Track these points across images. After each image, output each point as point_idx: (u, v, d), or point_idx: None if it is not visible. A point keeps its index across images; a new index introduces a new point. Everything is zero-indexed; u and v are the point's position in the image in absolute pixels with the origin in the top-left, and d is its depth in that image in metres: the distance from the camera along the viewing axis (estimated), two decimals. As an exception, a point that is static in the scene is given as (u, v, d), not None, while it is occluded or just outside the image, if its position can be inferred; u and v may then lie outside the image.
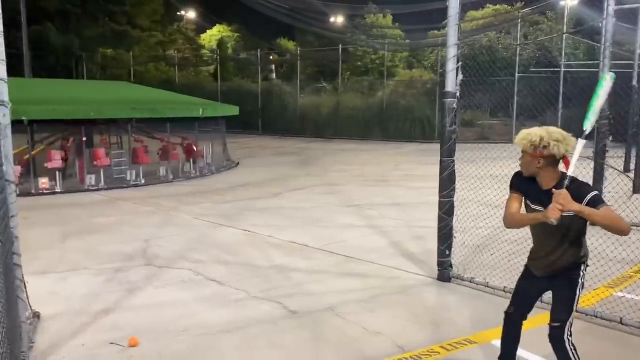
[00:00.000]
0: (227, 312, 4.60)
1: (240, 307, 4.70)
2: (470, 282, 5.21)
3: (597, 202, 2.74)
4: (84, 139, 11.67)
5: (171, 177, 12.52)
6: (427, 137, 21.98)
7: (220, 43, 36.88)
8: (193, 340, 4.05)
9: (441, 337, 4.08)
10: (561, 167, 2.93)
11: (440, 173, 5.26)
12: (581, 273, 3.01)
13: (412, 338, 4.06)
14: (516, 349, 3.39)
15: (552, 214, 2.68)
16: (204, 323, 4.35)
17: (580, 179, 2.85)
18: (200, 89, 27.87)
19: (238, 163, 15.47)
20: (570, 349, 2.94)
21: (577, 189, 2.78)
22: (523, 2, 22.30)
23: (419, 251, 6.40)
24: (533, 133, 2.89)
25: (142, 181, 11.90)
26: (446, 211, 5.26)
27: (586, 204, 2.72)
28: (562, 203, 2.66)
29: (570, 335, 2.96)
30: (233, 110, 15.76)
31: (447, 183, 5.23)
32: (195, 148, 13.46)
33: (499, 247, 6.06)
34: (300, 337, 4.11)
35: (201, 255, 6.31)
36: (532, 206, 3.04)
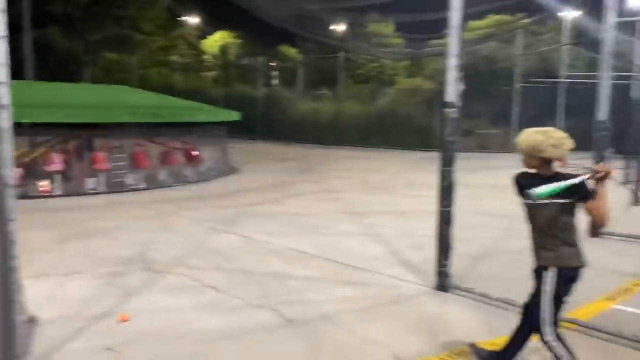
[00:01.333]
0: (224, 319, 4.58)
1: (237, 315, 4.68)
2: (469, 292, 5.19)
3: (588, 192, 2.98)
4: (85, 142, 11.68)
5: (171, 182, 12.50)
6: (428, 145, 21.96)
7: (223, 49, 36.98)
8: (190, 347, 4.03)
9: (439, 348, 4.06)
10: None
11: (440, 182, 5.25)
12: (547, 280, 3.12)
13: (409, 348, 4.04)
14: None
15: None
16: (201, 330, 4.33)
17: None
18: (202, 94, 27.89)
19: (238, 169, 15.47)
20: (555, 345, 3.10)
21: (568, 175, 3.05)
22: (525, 13, 22.39)
23: (418, 260, 6.38)
24: (533, 137, 3.11)
25: (142, 185, 11.89)
26: (445, 220, 5.25)
27: (579, 188, 2.97)
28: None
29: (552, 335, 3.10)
30: (234, 115, 15.77)
31: (446, 192, 5.22)
32: (195, 153, 13.46)
33: (498, 258, 6.05)
34: (297, 346, 4.09)
35: (199, 262, 6.29)
36: (526, 190, 3.13)
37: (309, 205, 10.15)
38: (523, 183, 3.18)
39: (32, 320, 4.34)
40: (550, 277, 3.10)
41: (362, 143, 23.86)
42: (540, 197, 2.92)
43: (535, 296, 3.19)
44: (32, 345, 3.95)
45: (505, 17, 23.06)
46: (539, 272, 3.19)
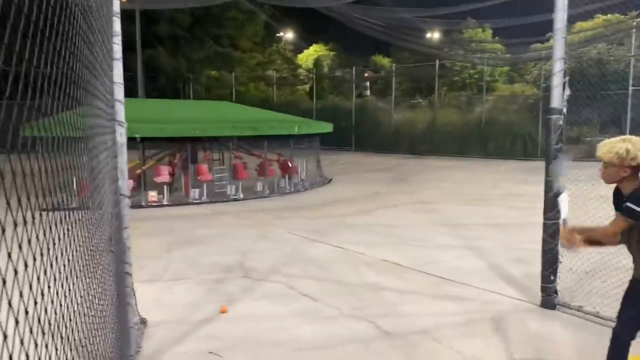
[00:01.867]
0: (320, 328, 4.62)
1: (333, 325, 4.71)
2: (578, 310, 4.85)
3: (624, 211, 2.99)
4: (190, 155, 12.41)
5: (267, 193, 12.91)
6: (529, 154, 20.97)
7: (317, 62, 37.78)
8: (287, 354, 4.11)
9: (545, 369, 3.82)
10: None
11: (545, 193, 4.97)
12: None
13: (512, 368, 3.84)
14: None
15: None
16: (297, 338, 4.40)
17: None
18: (296, 107, 28.63)
19: (331, 180, 15.64)
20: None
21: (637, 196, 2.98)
22: (639, 11, 20.74)
23: (520, 275, 6.07)
24: (619, 146, 3.00)
25: (241, 196, 12.37)
26: (551, 234, 4.96)
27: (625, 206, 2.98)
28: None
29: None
30: (327, 127, 15.99)
31: (552, 204, 4.93)
32: (290, 164, 13.81)
33: (610, 274, 5.59)
34: (394, 358, 4.03)
35: (294, 270, 6.42)
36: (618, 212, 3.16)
37: (403, 217, 10.02)
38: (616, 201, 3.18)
39: (142, 322, 4.65)
40: None
41: (458, 153, 23.23)
42: None
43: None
44: (142, 346, 4.23)
45: (616, 16, 21.51)
46: None
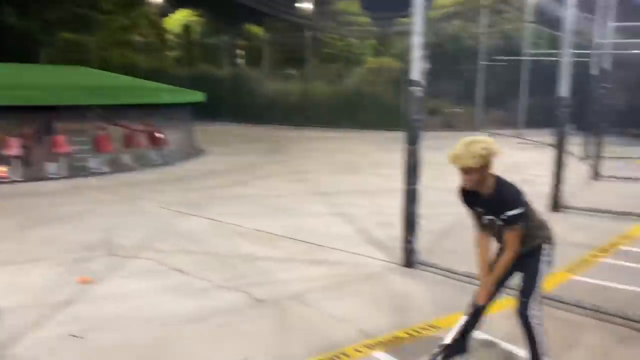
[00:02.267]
0: (192, 302, 4.55)
1: (205, 297, 4.66)
2: (435, 267, 5.29)
3: (510, 222, 3.04)
4: (44, 125, 11.32)
5: (135, 166, 12.27)
6: (395, 125, 22.00)
7: (186, 28, 36.16)
8: (157, 330, 4.00)
9: (405, 323, 4.13)
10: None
11: (405, 161, 5.30)
12: (545, 252, 3.14)
13: (377, 324, 4.11)
14: (478, 327, 3.48)
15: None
16: (168, 313, 4.30)
17: (508, 185, 3.07)
18: (165, 75, 27.33)
19: (205, 151, 15.28)
20: (535, 323, 3.10)
21: (504, 200, 3.03)
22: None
23: (386, 238, 6.45)
24: (473, 150, 2.98)
25: (105, 169, 11.63)
26: (411, 198, 5.31)
27: (505, 217, 3.02)
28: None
29: (536, 310, 3.11)
30: (199, 96, 15.53)
31: (411, 171, 5.27)
32: (160, 135, 13.22)
33: (463, 233, 6.16)
34: (267, 325, 4.10)
35: (166, 245, 6.22)
36: (476, 209, 3.25)
37: (277, 187, 10.13)
38: (468, 201, 3.26)
39: (-8, 310, 4.24)
40: (548, 252, 3.18)
41: (330, 123, 23.83)
42: None
43: (530, 273, 3.19)
44: (-7, 334, 3.86)
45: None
46: (535, 251, 3.18)
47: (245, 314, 4.31)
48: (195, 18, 38.27)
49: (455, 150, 3.02)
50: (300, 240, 6.45)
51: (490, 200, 3.08)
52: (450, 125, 21.88)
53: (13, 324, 4.04)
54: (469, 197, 3.21)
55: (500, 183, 3.09)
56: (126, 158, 12.41)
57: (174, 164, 13.03)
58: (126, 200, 8.74)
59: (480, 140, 3.02)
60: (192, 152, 14.79)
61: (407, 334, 3.95)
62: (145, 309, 4.37)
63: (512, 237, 3.07)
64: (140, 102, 12.52)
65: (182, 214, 7.77)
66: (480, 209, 3.21)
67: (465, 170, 3.03)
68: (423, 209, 5.51)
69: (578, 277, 5.09)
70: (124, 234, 6.69)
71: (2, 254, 5.78)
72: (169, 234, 6.70)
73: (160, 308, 4.41)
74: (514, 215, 3.01)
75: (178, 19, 38.18)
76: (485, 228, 3.26)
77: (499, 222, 3.08)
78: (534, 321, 3.10)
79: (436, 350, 3.42)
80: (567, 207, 7.87)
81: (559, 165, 7.61)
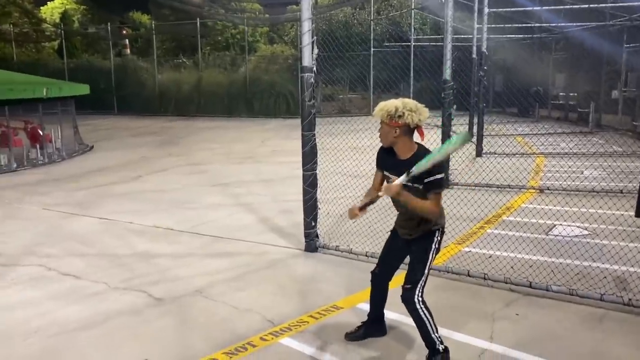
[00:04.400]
0: (85, 307, 4.28)
1: (100, 301, 4.40)
2: (336, 250, 5.40)
3: (432, 187, 3.02)
4: None
5: (15, 166, 11.29)
6: (292, 112, 22.23)
7: (64, 16, 33.63)
8: (46, 341, 3.71)
9: (310, 307, 4.18)
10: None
11: (303, 147, 5.33)
12: (435, 239, 3.23)
13: (281, 311, 4.11)
14: (383, 305, 3.59)
15: (384, 193, 3.06)
16: (58, 321, 4.00)
17: (434, 155, 3.00)
18: (43, 67, 25.41)
19: (92, 147, 14.39)
20: (421, 308, 3.16)
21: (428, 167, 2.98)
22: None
23: (287, 225, 6.47)
24: (389, 104, 3.08)
25: (-21, 172, 10.59)
26: (310, 184, 5.36)
27: (425, 182, 3.00)
28: (392, 190, 3.01)
29: (422, 296, 3.18)
30: (83, 89, 14.56)
31: (309, 156, 5.31)
32: (41, 132, 12.25)
33: (362, 216, 6.35)
34: (167, 324, 3.96)
35: (53, 249, 5.79)
36: (390, 176, 3.23)
37: (173, 180, 9.79)
38: (383, 160, 3.25)
39: None
40: (437, 236, 3.22)
41: (226, 113, 23.45)
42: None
43: (418, 259, 3.21)
44: None
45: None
46: (427, 237, 3.21)
47: (144, 314, 4.13)
48: (74, 6, 35.75)
49: (380, 103, 3.13)
50: (201, 234, 6.29)
51: (408, 163, 3.03)
52: (345, 110, 22.38)
53: None
54: (386, 158, 3.21)
55: (423, 149, 3.11)
56: (3, 158, 11.37)
57: (59, 162, 12.16)
58: (4, 204, 8.01)
59: (407, 103, 3.05)
60: (78, 148, 13.88)
61: (312, 317, 4.00)
62: (33, 319, 4.04)
63: (435, 200, 3.03)
64: (15, 97, 11.48)
65: (70, 215, 7.27)
66: (393, 172, 3.17)
67: (380, 123, 3.13)
68: (322, 194, 5.60)
69: (467, 249, 5.44)
70: (3, 240, 6.13)
71: None
72: (56, 238, 6.24)
73: (50, 316, 4.09)
74: (438, 180, 3.01)
75: (56, 7, 35.44)
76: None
77: (414, 185, 3.04)
78: (420, 305, 3.14)
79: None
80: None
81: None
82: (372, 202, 3.18)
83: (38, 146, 12.23)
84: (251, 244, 5.87)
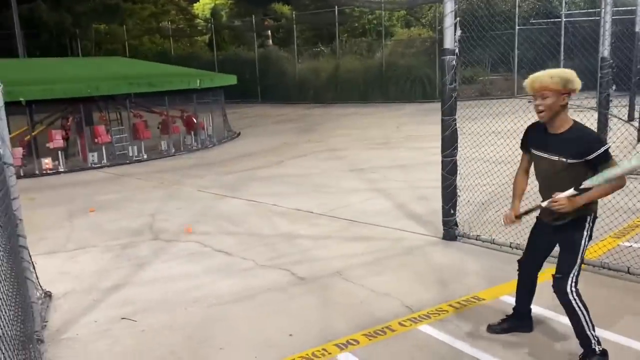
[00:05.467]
0: (236, 281, 4.64)
1: (249, 276, 4.74)
2: (477, 239, 5.22)
3: (606, 158, 2.82)
4: (83, 117, 11.63)
5: (173, 151, 12.50)
6: (429, 96, 21.74)
7: (214, 11, 36.23)
8: (204, 311, 4.09)
9: (449, 296, 4.11)
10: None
11: (442, 132, 5.21)
12: (587, 225, 3.01)
13: (420, 298, 4.10)
14: (531, 299, 3.41)
15: (544, 215, 3.06)
16: (213, 294, 4.39)
17: (587, 127, 2.92)
18: (196, 60, 27.54)
19: (239, 133, 15.41)
20: (574, 299, 2.96)
21: (588, 143, 2.84)
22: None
23: (424, 212, 6.40)
24: (553, 73, 2.91)
25: (145, 156, 11.89)
26: (449, 170, 5.23)
27: (594, 159, 2.80)
28: (561, 206, 2.85)
29: (575, 286, 2.97)
30: (231, 79, 15.59)
31: (449, 142, 5.18)
32: (195, 120, 13.39)
33: (504, 204, 6.04)
34: (310, 302, 4.15)
35: (207, 227, 6.34)
36: (537, 153, 3.08)
37: (313, 165, 10.14)
38: (531, 138, 3.09)
39: (47, 296, 4.42)
40: (591, 226, 3.02)
41: (362, 99, 23.60)
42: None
43: (571, 247, 3.03)
44: (49, 319, 4.03)
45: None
46: (579, 223, 3.02)
47: (289, 291, 4.37)
48: (223, 1, 38.26)
49: (533, 75, 2.96)
50: (339, 218, 6.46)
51: (562, 138, 2.89)
52: (487, 93, 21.35)
53: (66, 310, 4.22)
54: (535, 135, 3.05)
55: (579, 124, 2.96)
56: (164, 144, 12.65)
57: (210, 148, 13.20)
58: (166, 186, 8.92)
59: (566, 71, 2.95)
60: (228, 135, 14.94)
61: (452, 306, 3.93)
62: (192, 290, 4.48)
63: (619, 174, 2.78)
64: (174, 89, 12.68)
65: (221, 197, 7.89)
66: (542, 150, 3.01)
67: (541, 93, 2.89)
68: (462, 181, 5.44)
69: (627, 243, 4.94)
70: (166, 218, 6.84)
71: (52, 242, 6.01)
72: (210, 217, 6.82)
73: (206, 288, 4.51)
74: (606, 151, 2.81)
75: (206, 3, 38.27)
76: (540, 174, 3.11)
77: (570, 160, 2.86)
78: (573, 296, 2.96)
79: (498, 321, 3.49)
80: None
81: (602, 128, 7.33)
82: (531, 211, 3.09)
83: (193, 133, 13.38)
84: (388, 230, 5.90)
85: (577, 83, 2.91)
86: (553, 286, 3.03)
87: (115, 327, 3.90)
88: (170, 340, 3.68)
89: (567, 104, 2.93)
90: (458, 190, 5.35)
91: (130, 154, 11.80)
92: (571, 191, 2.83)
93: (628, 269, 4.20)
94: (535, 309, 3.52)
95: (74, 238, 6.21)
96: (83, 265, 5.26)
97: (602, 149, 2.81)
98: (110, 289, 4.60)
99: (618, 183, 2.82)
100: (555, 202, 2.86)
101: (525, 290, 3.39)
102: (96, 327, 3.91)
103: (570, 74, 2.92)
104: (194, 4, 39.04)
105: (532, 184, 3.29)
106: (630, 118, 11.75)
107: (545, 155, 3.00)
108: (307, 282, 4.55)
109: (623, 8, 14.41)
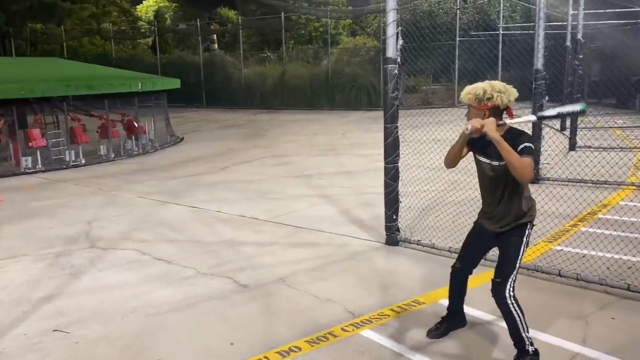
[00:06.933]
0: (176, 290, 4.52)
1: (190, 285, 4.63)
2: (417, 244, 5.32)
3: (524, 152, 2.90)
4: (16, 119, 11.07)
5: (113, 156, 12.10)
6: (374, 104, 22.08)
7: (158, 14, 35.48)
8: (142, 321, 3.96)
9: (391, 300, 4.16)
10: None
11: (385, 139, 5.29)
12: (526, 232, 3.13)
13: (362, 303, 4.12)
14: (462, 302, 3.52)
15: (471, 123, 2.97)
16: (152, 303, 4.26)
17: (523, 131, 3.03)
18: (138, 63, 26.86)
19: (183, 138, 15.11)
20: (512, 303, 3.05)
21: (514, 137, 2.97)
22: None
23: (368, 217, 6.47)
24: (477, 87, 3.04)
25: (82, 161, 11.45)
26: (391, 177, 5.32)
27: (520, 148, 2.91)
28: (485, 124, 2.92)
29: (513, 291, 3.07)
30: (174, 83, 15.29)
31: (391, 149, 5.26)
32: (136, 124, 13.02)
33: (444, 209, 6.21)
34: (252, 310, 4.10)
35: (147, 235, 6.16)
36: (480, 159, 3.17)
37: (258, 171, 10.07)
38: (473, 140, 3.11)
39: (-29, 309, 4.15)
40: (529, 229, 3.13)
41: (308, 105, 23.70)
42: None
43: (510, 252, 3.11)
44: (-27, 333, 3.79)
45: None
46: (519, 229, 3.12)
47: (231, 300, 4.30)
48: (167, 3, 37.54)
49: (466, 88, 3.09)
50: (284, 224, 6.43)
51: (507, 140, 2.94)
52: (429, 102, 21.91)
53: (-6, 322, 3.98)
54: (476, 139, 3.10)
55: (515, 129, 3.03)
56: (103, 149, 12.23)
57: (152, 153, 12.88)
58: (104, 192, 8.62)
59: (494, 85, 3.00)
60: (171, 139, 14.62)
61: (393, 311, 3.98)
62: (130, 300, 4.33)
63: (527, 163, 2.87)
64: (114, 92, 12.28)
65: (162, 203, 7.69)
66: (482, 154, 3.12)
67: (468, 107, 3.08)
68: (404, 187, 5.53)
69: (558, 247, 5.17)
70: (103, 225, 6.60)
71: (-21, 252, 5.66)
72: (150, 224, 6.63)
73: (145, 298, 4.37)
74: (528, 146, 2.90)
75: (150, 5, 37.44)
76: (481, 176, 3.21)
77: (502, 164, 2.97)
78: (511, 300, 3.04)
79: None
80: (545, 179, 7.97)
81: (536, 137, 7.67)
82: (464, 141, 3.14)
83: (133, 137, 13.01)
84: (332, 235, 5.93)
85: (500, 98, 2.95)
86: (492, 290, 3.11)
87: (46, 339, 3.71)
88: (106, 351, 3.54)
89: (492, 116, 2.96)
90: (400, 196, 5.44)
91: (67, 159, 11.33)
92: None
93: (559, 272, 4.38)
94: (473, 312, 3.62)
95: (3, 246, 5.88)
96: (12, 275, 4.99)
97: (524, 145, 2.90)
98: (42, 299, 4.38)
99: (528, 167, 2.86)
100: (483, 125, 2.93)
101: (458, 292, 3.49)
102: (25, 340, 3.70)
103: (492, 90, 2.96)
104: (137, 6, 38.10)
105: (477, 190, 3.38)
106: (562, 128, 12.37)
107: (486, 160, 3.11)
108: (250, 289, 4.49)
109: (555, 23, 15.17)
